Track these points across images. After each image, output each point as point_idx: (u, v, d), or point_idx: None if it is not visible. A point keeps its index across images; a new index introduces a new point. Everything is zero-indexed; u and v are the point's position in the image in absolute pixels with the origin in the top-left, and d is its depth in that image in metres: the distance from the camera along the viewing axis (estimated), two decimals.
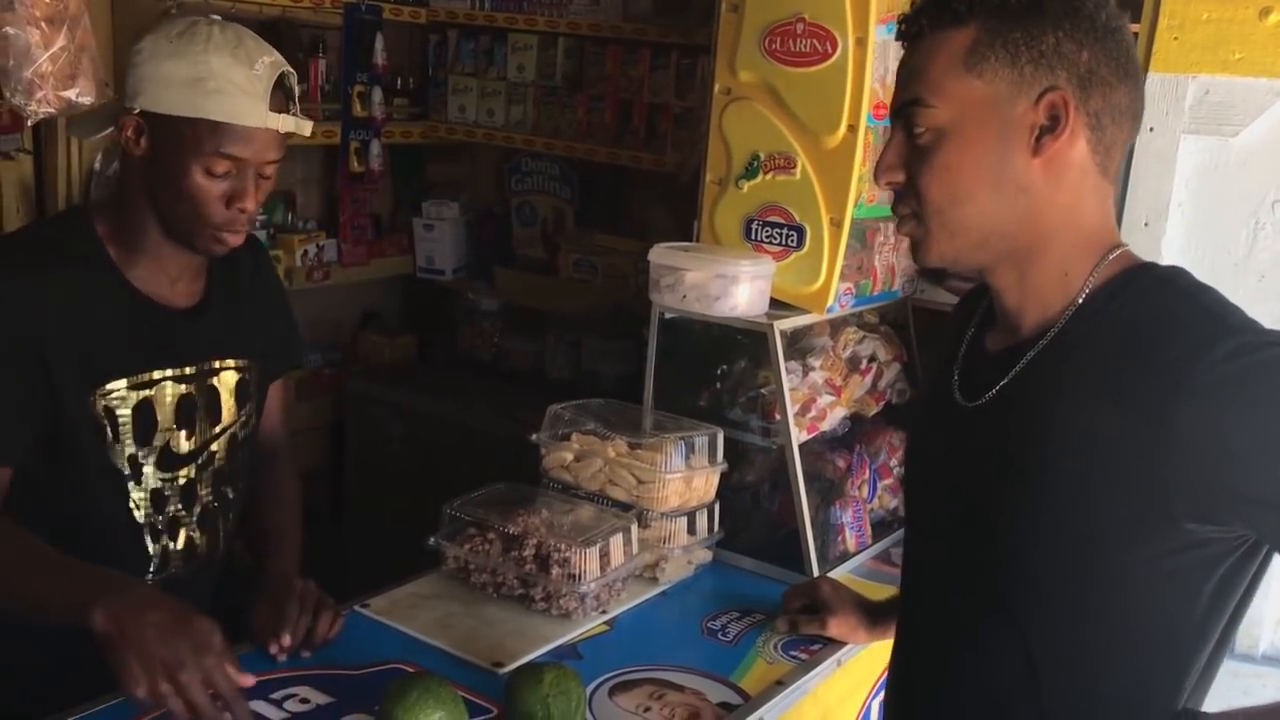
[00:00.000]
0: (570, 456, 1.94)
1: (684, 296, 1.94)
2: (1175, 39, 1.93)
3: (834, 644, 1.73)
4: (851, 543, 2.06)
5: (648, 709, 1.52)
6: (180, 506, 1.62)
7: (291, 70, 1.54)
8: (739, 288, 1.92)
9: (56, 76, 2.09)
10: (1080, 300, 1.10)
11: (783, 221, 2.00)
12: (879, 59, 1.92)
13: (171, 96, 1.46)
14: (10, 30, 2.03)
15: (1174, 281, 1.10)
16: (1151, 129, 1.95)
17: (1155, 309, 1.06)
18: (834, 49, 1.91)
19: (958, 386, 1.20)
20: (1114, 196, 1.14)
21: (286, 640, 1.53)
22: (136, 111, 1.49)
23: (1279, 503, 0.99)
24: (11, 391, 1.46)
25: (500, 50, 3.58)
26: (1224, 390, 0.98)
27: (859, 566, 2.05)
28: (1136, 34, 1.94)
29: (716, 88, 2.04)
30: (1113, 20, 1.08)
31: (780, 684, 1.60)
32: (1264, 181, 1.94)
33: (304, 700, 1.46)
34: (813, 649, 1.72)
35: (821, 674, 1.67)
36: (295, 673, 1.51)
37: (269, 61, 1.50)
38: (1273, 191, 1.95)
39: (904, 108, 1.12)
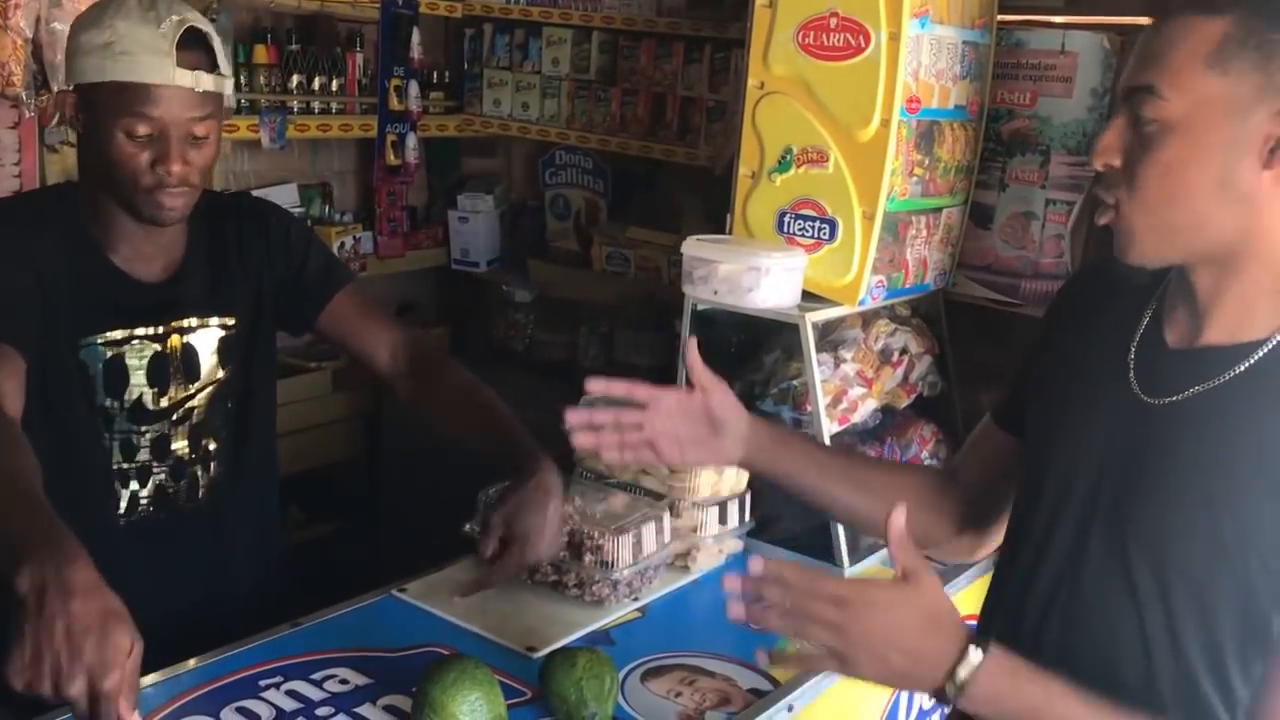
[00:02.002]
0: None
1: (716, 289, 1.96)
2: None
3: None
4: None
5: (679, 694, 1.54)
6: (151, 456, 1.66)
7: (206, 28, 1.53)
8: (771, 280, 1.94)
9: None
10: None
11: (815, 214, 2.02)
12: (912, 53, 1.94)
13: (87, 65, 1.49)
14: (57, 25, 2.09)
15: None
16: None
17: None
18: (867, 43, 1.92)
19: (1135, 378, 1.15)
20: None
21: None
22: (70, 89, 1.52)
23: None
24: (20, 289, 1.51)
25: (535, 44, 3.61)
26: None
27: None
28: None
29: (750, 82, 2.06)
30: None
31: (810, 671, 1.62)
32: None
33: (343, 681, 1.49)
34: None
35: None
36: (334, 654, 1.55)
37: (176, 20, 1.49)
38: None
39: (1134, 93, 1.06)
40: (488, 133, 3.76)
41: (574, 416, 1.40)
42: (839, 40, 1.94)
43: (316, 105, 3.29)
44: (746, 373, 2.15)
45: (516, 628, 1.66)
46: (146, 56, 1.47)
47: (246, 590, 1.77)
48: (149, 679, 1.44)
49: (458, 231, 3.79)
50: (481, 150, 3.95)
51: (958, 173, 2.19)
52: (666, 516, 1.84)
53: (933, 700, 1.09)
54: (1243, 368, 1.07)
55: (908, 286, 2.16)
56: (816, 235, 2.02)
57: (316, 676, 1.50)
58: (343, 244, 3.45)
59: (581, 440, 1.40)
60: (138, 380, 1.63)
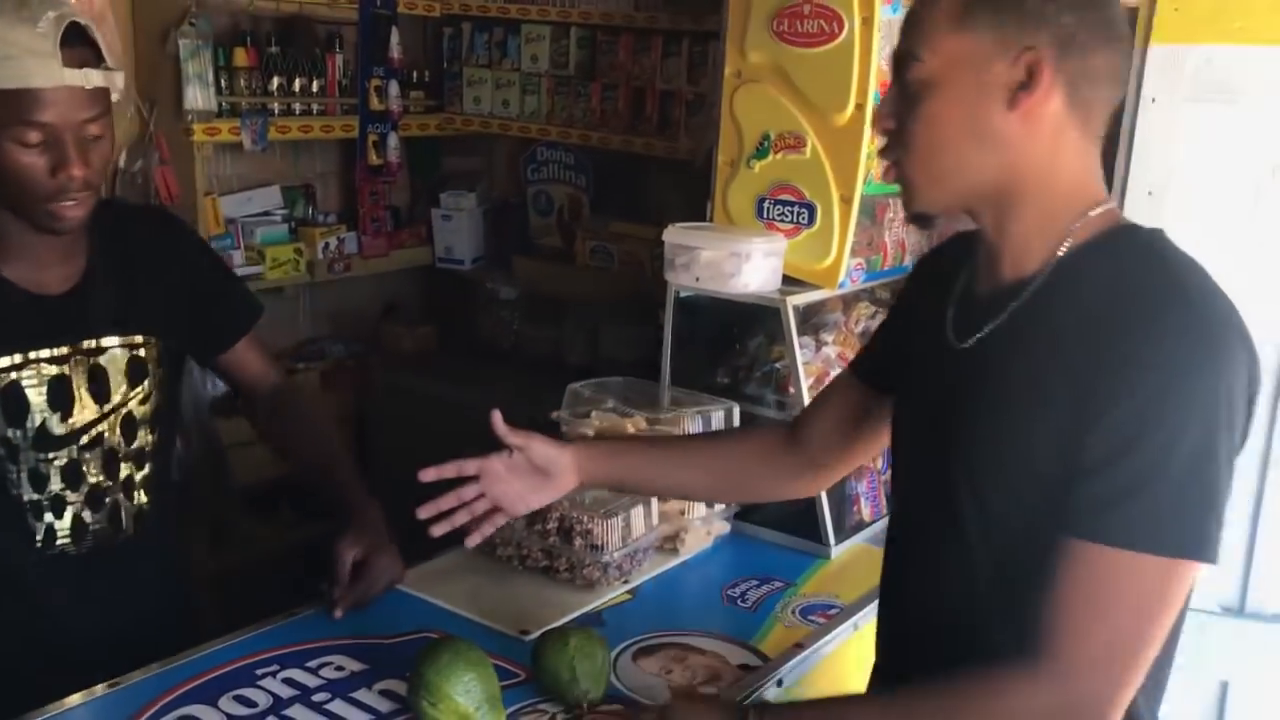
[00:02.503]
0: (591, 433, 1.98)
1: (699, 275, 1.99)
2: (1176, 10, 1.96)
3: (851, 609, 1.78)
4: (867, 512, 2.10)
5: (670, 671, 1.57)
6: (63, 485, 1.58)
7: (86, 21, 1.44)
8: (752, 265, 1.97)
9: None
10: (1060, 253, 1.15)
11: (794, 199, 2.05)
12: (885, 38, 1.96)
13: None
14: None
15: (1152, 247, 1.14)
16: (1154, 99, 1.98)
17: (1128, 276, 1.10)
18: (841, 29, 1.95)
19: (951, 326, 1.25)
20: (1098, 157, 1.18)
21: (338, 615, 1.60)
22: None
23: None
24: None
25: (514, 41, 3.63)
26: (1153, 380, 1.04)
27: (874, 535, 2.09)
28: (1137, 7, 1.97)
29: (727, 70, 2.09)
30: None
31: (799, 646, 1.65)
32: (1266, 149, 1.97)
33: (339, 668, 1.51)
34: (830, 613, 1.76)
35: (839, 637, 1.71)
36: (330, 642, 1.57)
37: (53, 16, 1.39)
38: (1275, 159, 1.97)
39: (899, 60, 1.18)
40: (469, 131, 3.78)
41: (425, 511, 1.50)
42: (813, 27, 1.97)
43: (297, 107, 3.31)
44: (730, 358, 2.18)
45: (509, 612, 1.68)
46: (29, 59, 1.37)
47: (176, 611, 1.75)
48: (136, 675, 1.47)
49: (441, 230, 3.81)
50: (463, 148, 3.98)
51: None
52: (654, 500, 1.86)
53: None
54: (1019, 302, 1.16)
55: (887, 269, 2.19)
56: (796, 220, 2.05)
57: (313, 664, 1.52)
58: (327, 245, 3.47)
59: (437, 530, 1.52)
60: (38, 405, 1.54)
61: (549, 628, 1.62)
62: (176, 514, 1.83)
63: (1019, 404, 1.13)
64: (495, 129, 3.71)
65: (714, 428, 1.95)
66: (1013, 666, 1.09)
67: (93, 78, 1.42)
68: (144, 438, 1.66)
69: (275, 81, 3.24)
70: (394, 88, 3.52)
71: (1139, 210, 1.97)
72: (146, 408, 1.65)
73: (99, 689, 1.44)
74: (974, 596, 1.20)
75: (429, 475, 1.48)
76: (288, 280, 3.39)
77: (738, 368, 2.15)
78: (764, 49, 2.02)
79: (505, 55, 3.67)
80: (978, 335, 1.20)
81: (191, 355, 1.78)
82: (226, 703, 1.42)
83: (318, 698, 1.44)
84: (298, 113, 3.31)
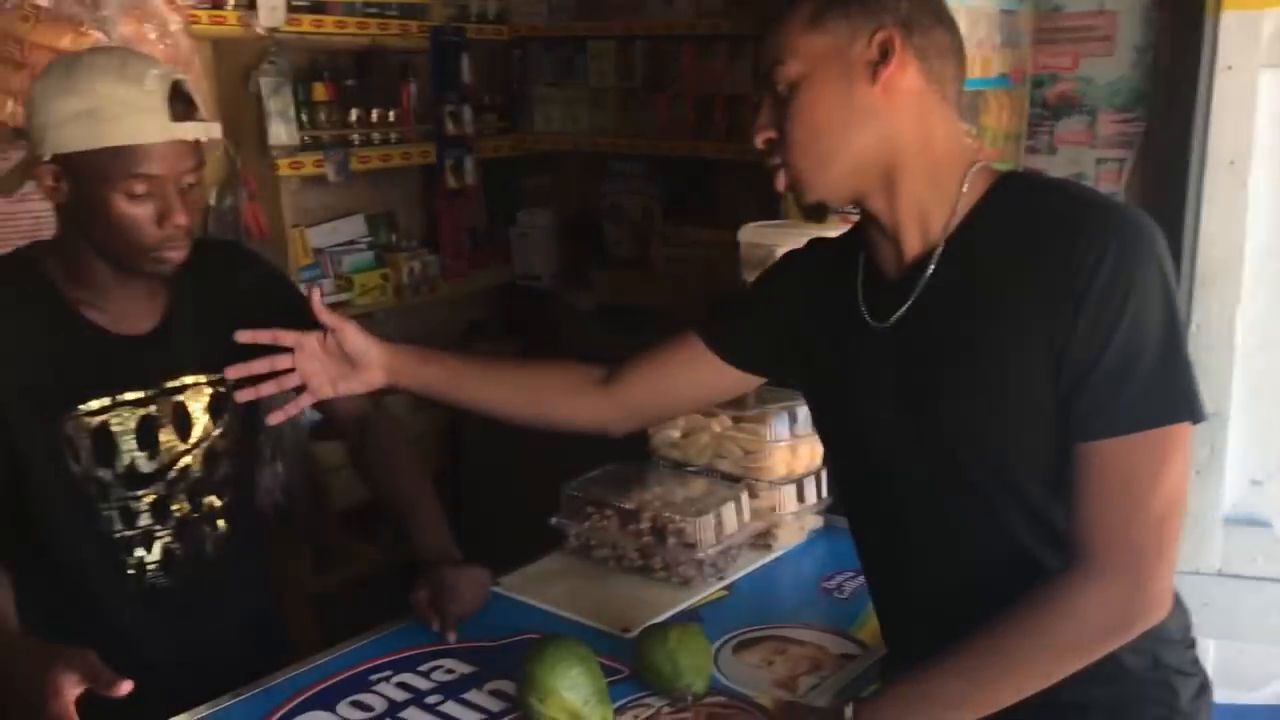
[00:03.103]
0: (677, 434, 2.02)
1: None
2: None
3: None
4: None
5: (771, 663, 1.58)
6: (152, 520, 1.64)
7: (184, 77, 1.51)
8: None
9: None
10: (960, 210, 1.24)
11: None
12: None
13: (71, 134, 1.45)
14: None
15: (1038, 180, 1.29)
16: (1230, 67, 1.96)
17: (1039, 209, 1.20)
18: None
19: (868, 311, 1.32)
20: (961, 124, 1.29)
21: (452, 636, 1.63)
22: (47, 159, 1.47)
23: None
24: None
25: (580, 58, 3.69)
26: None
27: None
28: None
29: None
30: None
31: None
32: None
33: (449, 671, 1.56)
34: None
35: None
36: (440, 647, 1.62)
37: (157, 74, 1.47)
38: None
39: (766, 74, 1.26)
40: (541, 149, 3.85)
41: (232, 371, 1.53)
42: None
43: (376, 137, 3.39)
44: None
45: (608, 611, 1.71)
46: (138, 116, 1.44)
47: (267, 631, 1.80)
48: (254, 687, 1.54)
49: (519, 248, 3.88)
50: (536, 166, 4.04)
51: (1006, 140, 2.21)
52: (745, 497, 1.89)
53: None
54: (935, 267, 1.25)
55: None
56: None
57: (424, 668, 1.57)
58: (411, 269, 3.55)
59: (242, 395, 1.55)
60: (128, 446, 1.60)
61: (648, 624, 1.65)
62: (263, 537, 1.87)
63: (983, 359, 1.21)
64: (567, 145, 3.77)
65: (799, 422, 1.97)
66: (1068, 577, 1.18)
67: (195, 130, 1.50)
68: (226, 468, 1.71)
69: (353, 113, 3.33)
70: (467, 112, 3.60)
71: (1221, 180, 1.95)
72: (228, 440, 1.70)
73: (224, 699, 1.51)
74: (1014, 550, 1.26)
75: (244, 337, 1.51)
76: (376, 305, 3.49)
77: None
78: None
79: (573, 73, 3.73)
80: (899, 313, 1.27)
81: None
82: (344, 708, 1.48)
83: (430, 700, 1.49)
84: (376, 142, 3.40)
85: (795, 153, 1.25)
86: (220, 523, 1.71)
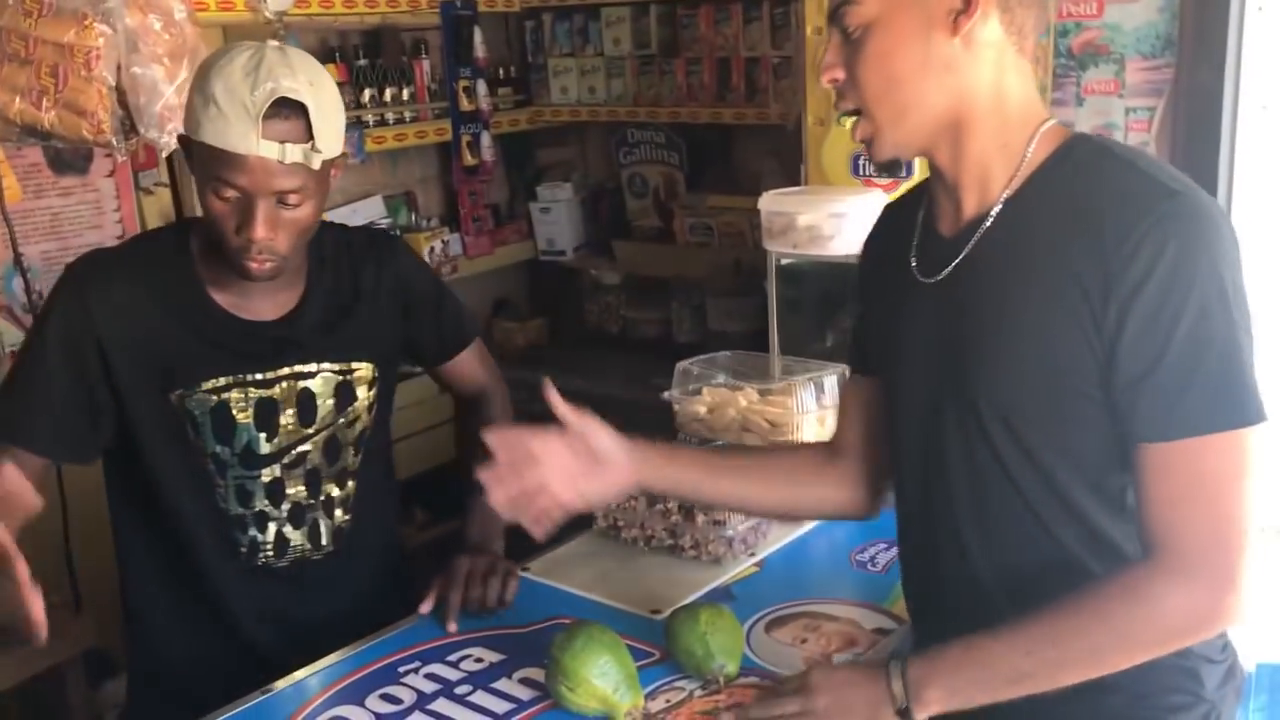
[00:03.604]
0: (703, 410, 1.99)
1: (796, 241, 1.97)
2: None
3: None
4: None
5: (804, 640, 1.56)
6: (268, 501, 1.66)
7: (306, 100, 1.46)
8: (851, 224, 1.93)
9: (183, 107, 2.22)
10: (1025, 169, 1.19)
11: None
12: None
13: (189, 118, 1.50)
14: (137, 70, 2.18)
15: (1111, 150, 1.20)
16: (1260, 8, 1.88)
17: (1104, 182, 1.15)
18: None
19: (918, 271, 1.29)
20: (1034, 77, 1.24)
21: (452, 627, 1.61)
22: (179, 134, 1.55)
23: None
24: (51, 384, 1.54)
25: (594, 27, 3.64)
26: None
27: None
28: None
29: (809, 29, 2.06)
30: None
31: None
32: None
33: (478, 660, 1.54)
34: None
35: None
36: (468, 636, 1.60)
37: (269, 87, 1.44)
38: None
39: (836, 10, 1.21)
40: (559, 121, 3.81)
41: (486, 479, 1.39)
42: None
43: (391, 116, 3.37)
44: (839, 321, 2.15)
45: (639, 593, 1.69)
46: (233, 123, 1.44)
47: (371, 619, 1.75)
48: (298, 675, 1.53)
49: (541, 222, 3.85)
50: (555, 139, 4.01)
51: None
52: None
53: None
54: (990, 226, 1.21)
55: None
56: (893, 173, 2.01)
57: (452, 658, 1.55)
58: (432, 249, 3.53)
59: (495, 499, 1.41)
60: (245, 427, 1.61)
61: (679, 606, 1.62)
62: (390, 530, 1.88)
63: (1022, 330, 1.16)
64: (584, 117, 3.73)
65: (826, 393, 1.93)
66: (1151, 572, 1.14)
67: (289, 152, 1.45)
68: (348, 458, 1.71)
69: (367, 94, 3.30)
70: (482, 87, 3.56)
71: (1254, 124, 1.88)
72: (353, 430, 1.71)
73: (254, 695, 1.50)
74: (1049, 546, 1.22)
75: (493, 440, 1.38)
76: None
77: (846, 330, 2.12)
78: None
79: (587, 42, 3.68)
80: (946, 270, 1.23)
81: (414, 363, 1.87)
82: (374, 701, 1.46)
83: (460, 690, 1.48)
84: (391, 122, 3.37)
85: (871, 101, 1.20)
86: (338, 513, 1.71)
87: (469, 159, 3.57)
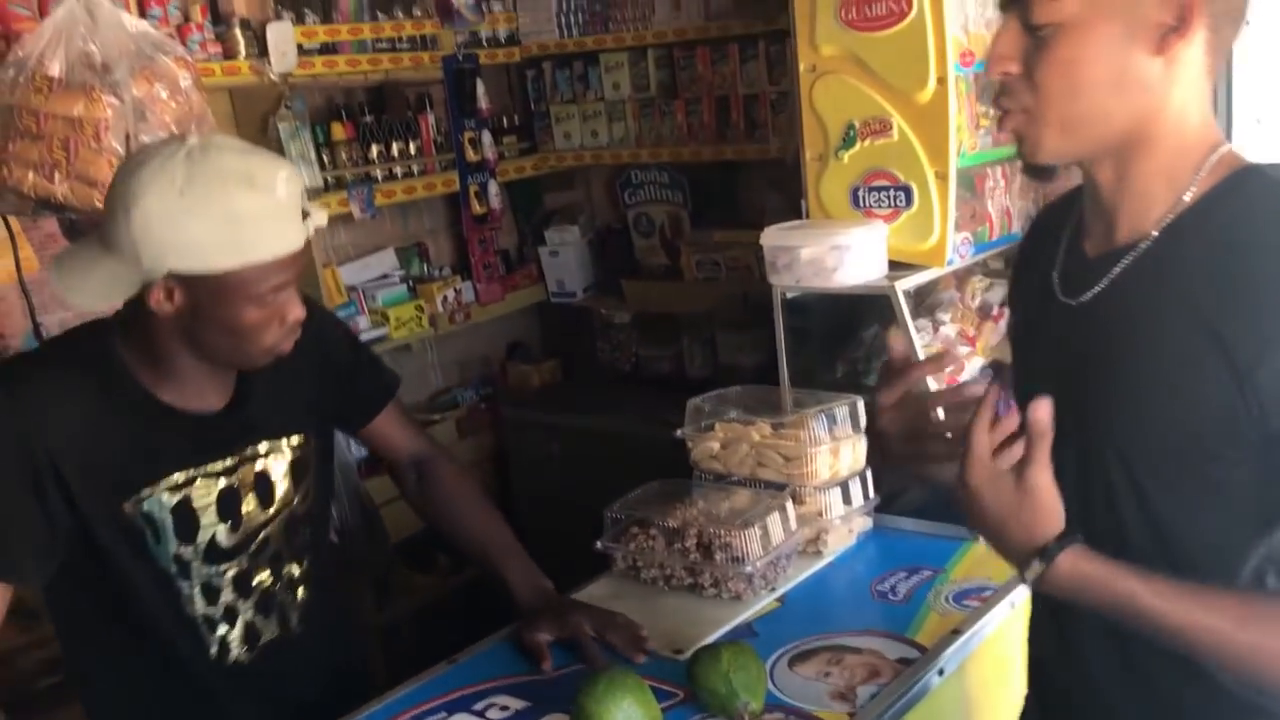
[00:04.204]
0: (716, 446, 1.99)
1: (800, 274, 1.99)
2: None
3: (1005, 588, 1.74)
4: None
5: (828, 674, 1.56)
6: (235, 594, 1.59)
7: (291, 167, 1.43)
8: (854, 256, 1.95)
9: None
10: (1188, 200, 1.10)
11: (888, 184, 2.03)
12: (957, 8, 1.94)
13: (210, 256, 1.35)
14: (145, 138, 2.22)
15: None
16: (1249, 22, 1.89)
17: (1264, 223, 1.05)
18: (910, 6, 1.93)
19: (1059, 289, 1.20)
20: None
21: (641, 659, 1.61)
22: (163, 275, 1.37)
23: None
24: (14, 508, 1.42)
25: (594, 73, 3.68)
26: None
27: None
28: None
29: (801, 66, 2.09)
30: None
31: (956, 632, 1.62)
32: None
33: (503, 708, 1.54)
34: (984, 596, 1.73)
35: (996, 618, 1.68)
36: (491, 684, 1.60)
37: (284, 176, 1.39)
38: None
39: None
40: (564, 166, 3.85)
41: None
42: (881, 9, 1.95)
43: (399, 170, 3.41)
44: (847, 351, 2.17)
45: (660, 632, 1.69)
46: (279, 227, 1.37)
47: (351, 686, 1.75)
48: None
49: (550, 266, 3.89)
50: (560, 184, 4.04)
51: None
52: (790, 504, 1.86)
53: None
54: (1140, 254, 1.12)
55: (995, 239, 2.15)
56: (893, 204, 2.03)
57: (478, 707, 1.55)
58: (445, 297, 3.56)
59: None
60: (208, 520, 1.54)
61: (701, 645, 1.63)
62: (338, 592, 1.85)
63: (1160, 364, 1.08)
64: (588, 160, 3.76)
65: (838, 424, 1.94)
66: None
67: (318, 220, 1.43)
68: (305, 533, 1.67)
69: (374, 149, 3.34)
70: (486, 137, 3.61)
71: (1248, 140, 1.89)
72: (307, 504, 1.67)
73: None
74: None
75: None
76: (413, 337, 3.50)
77: (855, 360, 2.14)
78: (835, 40, 2.01)
79: (588, 87, 3.72)
80: (1090, 293, 1.15)
81: (339, 429, 1.81)
82: None
83: None
84: (400, 176, 3.41)
85: (1046, 105, 1.09)
86: (301, 590, 1.67)
87: (478, 208, 3.61)
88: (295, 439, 1.63)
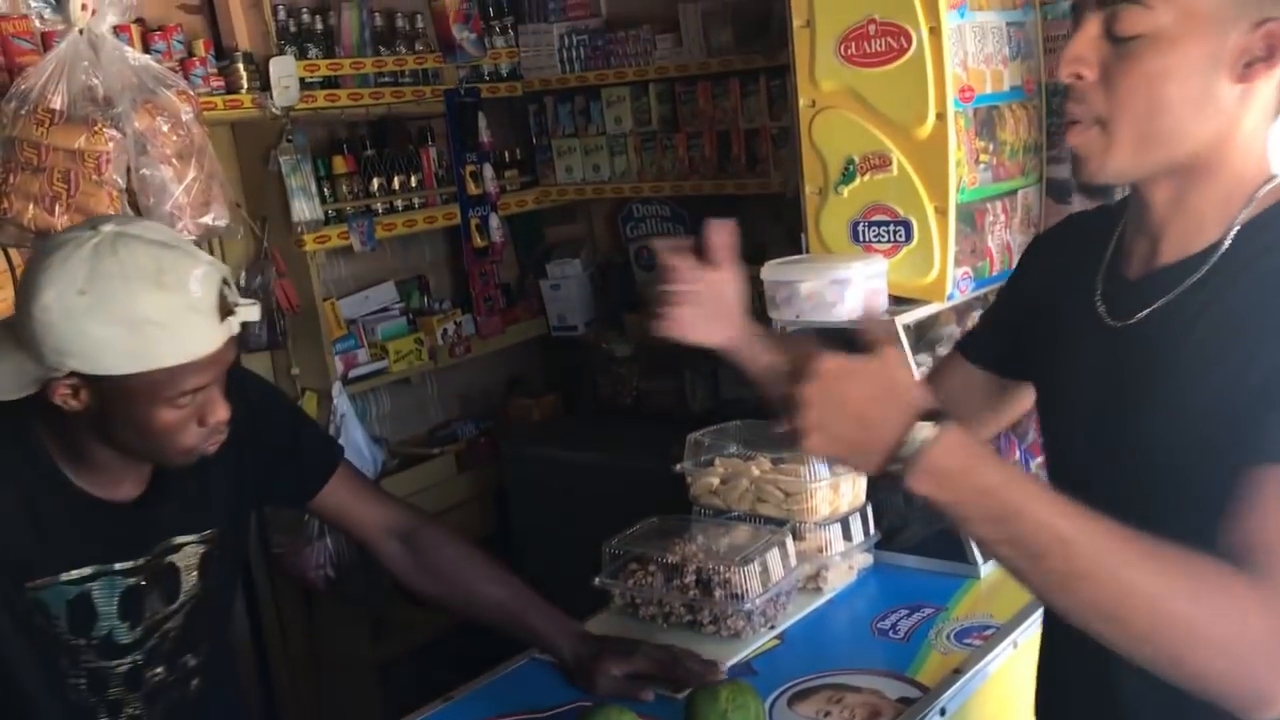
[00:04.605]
0: (716, 481, 1.98)
1: (800, 309, 1.98)
2: None
3: (1008, 627, 1.72)
4: None
5: (828, 713, 1.54)
6: (123, 688, 1.50)
7: (221, 266, 1.36)
8: (854, 291, 1.94)
9: (192, 205, 2.27)
10: (1237, 227, 1.09)
11: (888, 219, 2.02)
12: (956, 44, 1.94)
13: (111, 359, 1.28)
14: (146, 171, 2.23)
15: None
16: None
17: None
18: (909, 43, 1.93)
19: (1105, 306, 1.18)
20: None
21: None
22: (65, 373, 1.30)
23: None
24: None
25: (596, 107, 3.70)
26: None
27: None
28: None
29: (801, 102, 2.09)
30: None
31: (958, 672, 1.60)
32: None
33: None
34: (986, 634, 1.71)
35: (999, 657, 1.66)
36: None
37: (199, 274, 1.30)
38: None
39: (1114, 2, 1.06)
40: (565, 200, 3.86)
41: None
42: (881, 45, 1.96)
43: (399, 203, 3.42)
44: None
45: (662, 681, 1.67)
46: (190, 330, 1.29)
47: None
48: None
49: (551, 299, 3.88)
50: (562, 217, 4.05)
51: (1026, 152, 2.17)
52: (789, 541, 1.84)
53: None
54: (1195, 277, 1.10)
55: (996, 274, 2.14)
56: (893, 239, 2.02)
57: None
58: (445, 330, 3.56)
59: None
60: (107, 617, 1.45)
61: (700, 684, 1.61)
62: (236, 674, 1.76)
63: (1206, 386, 1.05)
64: (590, 194, 3.77)
65: None
66: (1247, 577, 0.95)
67: (245, 315, 1.35)
68: (205, 621, 1.58)
69: (375, 182, 3.35)
70: (488, 170, 3.61)
71: None
72: (212, 591, 1.57)
73: None
74: None
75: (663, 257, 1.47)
76: (413, 370, 3.49)
77: None
78: (835, 75, 2.02)
79: (590, 121, 3.73)
80: (1143, 313, 1.12)
81: (287, 506, 1.74)
82: None
83: None
84: (400, 209, 3.42)
85: (1123, 117, 1.06)
86: (195, 681, 1.58)
87: (479, 241, 3.61)
88: (209, 533, 1.54)
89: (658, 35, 3.49)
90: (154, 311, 1.27)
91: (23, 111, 2.21)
